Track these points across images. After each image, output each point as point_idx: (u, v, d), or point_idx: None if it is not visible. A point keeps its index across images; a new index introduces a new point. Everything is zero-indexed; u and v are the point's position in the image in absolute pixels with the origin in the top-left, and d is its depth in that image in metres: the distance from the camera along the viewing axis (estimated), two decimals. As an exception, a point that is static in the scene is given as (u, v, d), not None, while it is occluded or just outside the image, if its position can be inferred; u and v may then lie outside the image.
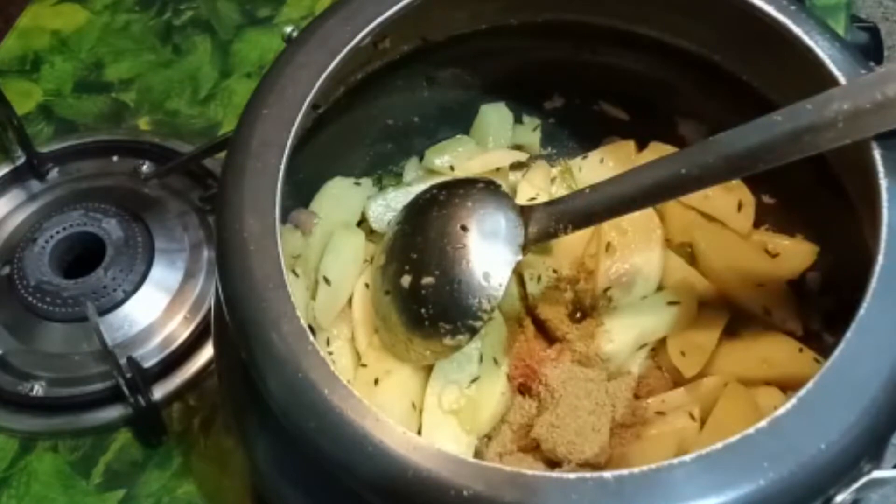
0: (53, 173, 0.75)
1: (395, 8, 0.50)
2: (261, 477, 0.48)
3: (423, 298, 0.52)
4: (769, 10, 0.49)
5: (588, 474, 0.37)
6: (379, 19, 0.50)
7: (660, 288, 0.57)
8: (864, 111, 0.42)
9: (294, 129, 0.46)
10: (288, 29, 0.51)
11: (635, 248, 0.57)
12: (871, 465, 0.39)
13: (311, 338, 0.41)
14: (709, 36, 0.55)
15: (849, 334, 0.40)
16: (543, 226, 0.52)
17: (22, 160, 0.75)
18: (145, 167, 0.75)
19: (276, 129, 0.47)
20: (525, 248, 0.52)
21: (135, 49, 0.83)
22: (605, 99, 0.62)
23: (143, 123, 0.78)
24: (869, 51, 0.82)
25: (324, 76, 0.48)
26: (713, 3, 0.53)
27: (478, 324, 0.51)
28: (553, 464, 0.52)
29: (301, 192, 0.59)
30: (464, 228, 0.52)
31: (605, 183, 0.51)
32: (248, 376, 0.42)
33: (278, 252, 0.43)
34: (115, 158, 0.76)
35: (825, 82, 0.47)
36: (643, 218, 0.58)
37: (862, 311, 0.40)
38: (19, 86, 0.81)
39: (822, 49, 0.48)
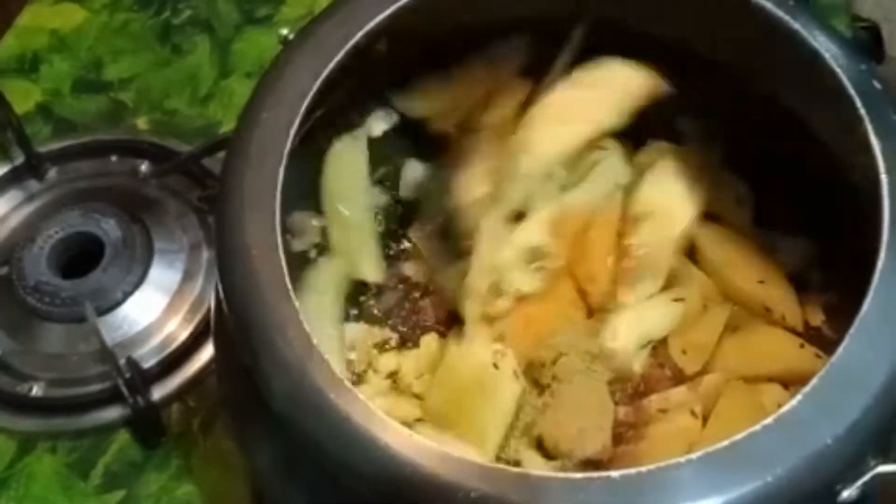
0: (52, 173, 0.75)
1: (391, 9, 0.50)
2: (263, 481, 0.48)
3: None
4: (767, 5, 0.49)
5: (595, 474, 0.37)
6: (375, 21, 0.50)
7: (664, 286, 0.57)
8: None
9: (292, 133, 0.46)
10: (284, 31, 0.51)
11: (643, 247, 0.57)
12: (876, 460, 0.39)
13: (316, 342, 0.41)
14: (706, 32, 0.55)
15: (852, 330, 0.40)
16: None
17: (20, 160, 0.74)
18: (144, 167, 0.75)
19: (274, 134, 0.46)
20: None
21: (134, 48, 0.83)
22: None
23: (142, 123, 0.78)
24: (869, 50, 0.81)
25: (321, 78, 0.48)
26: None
27: None
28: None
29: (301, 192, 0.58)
30: None
31: None
32: (249, 379, 0.42)
33: (280, 257, 0.43)
34: (113, 158, 0.76)
35: (823, 76, 0.47)
36: (653, 218, 0.58)
37: (865, 307, 0.40)
38: (18, 85, 0.80)
39: (819, 43, 0.48)
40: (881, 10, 0.75)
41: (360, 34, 0.49)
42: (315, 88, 0.48)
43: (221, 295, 0.44)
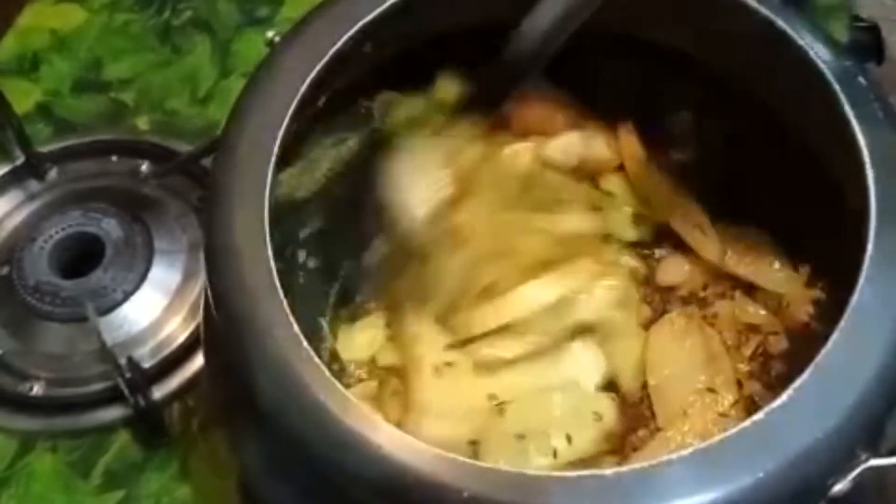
0: (52, 173, 0.75)
1: (379, 10, 0.50)
2: (252, 481, 0.48)
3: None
4: (751, 3, 0.49)
5: (587, 472, 0.38)
6: (364, 22, 0.50)
7: None
8: None
9: (281, 133, 0.47)
10: (270, 34, 0.51)
11: None
12: (867, 454, 0.39)
13: (306, 344, 0.41)
14: (692, 31, 0.55)
15: (841, 324, 0.40)
16: None
17: (21, 160, 0.75)
18: (144, 167, 0.75)
19: (263, 134, 0.47)
20: None
21: (134, 48, 0.83)
22: (590, 100, 0.62)
23: (143, 123, 0.78)
24: (869, 51, 0.81)
25: (310, 79, 0.48)
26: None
27: None
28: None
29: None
30: None
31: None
32: (238, 379, 0.42)
33: (269, 257, 0.43)
34: (114, 158, 0.76)
35: (808, 73, 0.47)
36: None
37: (853, 302, 0.41)
38: (18, 85, 0.80)
39: (805, 41, 0.48)
40: (881, 9, 0.75)
41: (349, 34, 0.50)
42: (304, 89, 0.48)
43: (209, 294, 0.45)
